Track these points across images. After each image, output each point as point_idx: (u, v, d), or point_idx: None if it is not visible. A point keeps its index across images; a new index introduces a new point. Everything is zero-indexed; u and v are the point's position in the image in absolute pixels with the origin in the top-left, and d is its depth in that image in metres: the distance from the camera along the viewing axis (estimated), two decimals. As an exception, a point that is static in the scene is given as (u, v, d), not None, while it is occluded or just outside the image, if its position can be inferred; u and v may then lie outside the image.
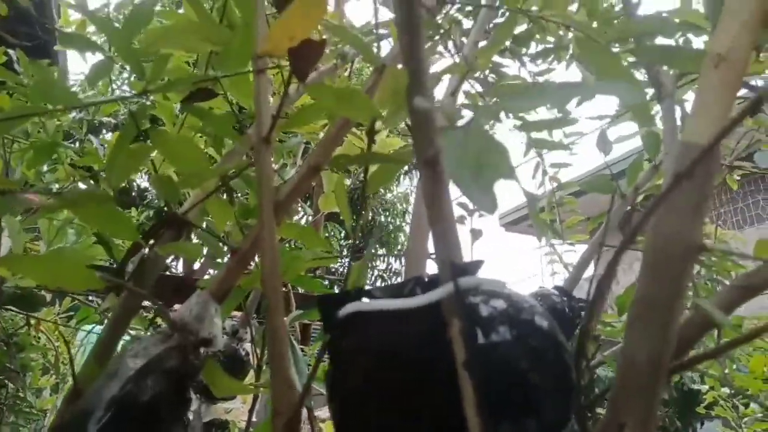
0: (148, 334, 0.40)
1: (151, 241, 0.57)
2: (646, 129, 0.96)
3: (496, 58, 0.99)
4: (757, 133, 1.14)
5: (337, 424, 0.31)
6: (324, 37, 0.64)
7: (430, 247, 0.42)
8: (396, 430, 0.30)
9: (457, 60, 0.87)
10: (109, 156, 0.43)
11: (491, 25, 0.97)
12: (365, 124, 0.48)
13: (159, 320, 0.89)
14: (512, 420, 0.28)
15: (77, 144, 1.39)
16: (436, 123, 0.32)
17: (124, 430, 0.36)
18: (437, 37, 0.88)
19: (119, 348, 0.51)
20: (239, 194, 0.73)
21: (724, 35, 0.30)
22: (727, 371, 1.24)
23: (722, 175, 1.16)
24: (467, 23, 1.03)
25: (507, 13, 0.88)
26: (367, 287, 0.34)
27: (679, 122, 0.62)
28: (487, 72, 0.97)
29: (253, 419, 0.86)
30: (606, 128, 0.97)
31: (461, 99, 0.85)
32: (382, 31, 0.88)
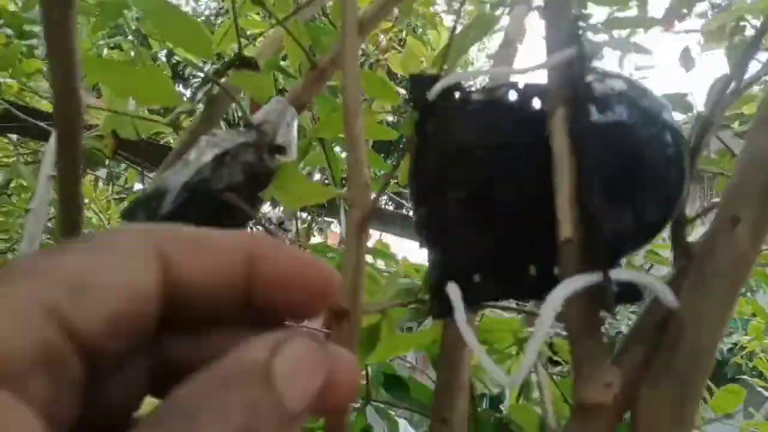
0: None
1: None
2: (737, 37, 0.89)
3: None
4: None
5: (418, 214, 0.30)
6: None
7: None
8: (479, 220, 0.29)
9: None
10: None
11: None
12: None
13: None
14: (608, 212, 0.26)
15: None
16: None
17: (197, 214, 0.36)
18: None
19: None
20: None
21: None
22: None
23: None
24: None
25: None
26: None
27: None
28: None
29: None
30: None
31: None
32: None
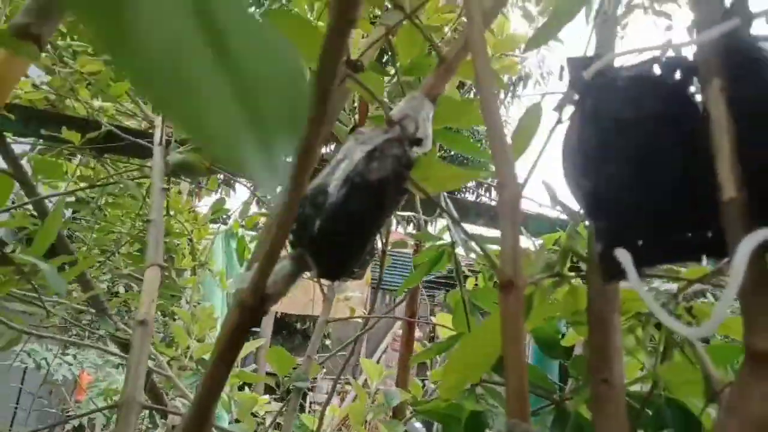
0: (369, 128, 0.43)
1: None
2: None
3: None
4: None
5: (582, 187, 0.33)
6: None
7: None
8: (639, 188, 0.32)
9: None
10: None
11: None
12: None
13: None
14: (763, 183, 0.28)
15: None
16: None
17: (357, 205, 0.39)
18: None
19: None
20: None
21: None
22: None
23: None
24: None
25: None
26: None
27: None
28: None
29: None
30: None
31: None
32: None
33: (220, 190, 1.78)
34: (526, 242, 1.26)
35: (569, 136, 0.32)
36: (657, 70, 0.33)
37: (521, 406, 0.32)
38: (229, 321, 0.39)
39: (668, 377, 0.39)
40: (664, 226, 0.32)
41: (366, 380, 1.28)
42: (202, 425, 0.44)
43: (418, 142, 0.42)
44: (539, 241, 1.28)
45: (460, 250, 0.87)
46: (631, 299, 0.46)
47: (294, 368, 1.18)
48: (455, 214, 0.68)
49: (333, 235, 0.38)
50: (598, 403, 0.36)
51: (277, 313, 5.27)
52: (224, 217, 1.96)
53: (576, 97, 0.32)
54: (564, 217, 1.66)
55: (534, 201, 1.35)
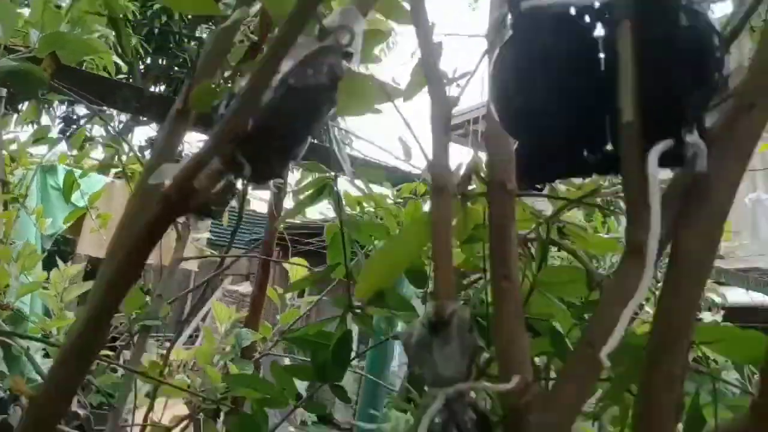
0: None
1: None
2: None
3: None
4: None
5: (504, 105, 0.37)
6: None
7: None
8: (554, 112, 0.37)
9: None
10: None
11: None
12: None
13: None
14: (659, 109, 0.35)
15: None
16: None
17: (294, 107, 0.40)
18: None
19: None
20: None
21: None
22: None
23: None
24: None
25: None
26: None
27: None
28: None
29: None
30: None
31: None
32: None
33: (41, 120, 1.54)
34: (386, 191, 1.33)
35: (502, 62, 0.36)
36: (572, 10, 0.38)
37: (448, 290, 0.36)
38: (150, 214, 0.37)
39: (549, 280, 0.47)
40: (570, 143, 0.38)
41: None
42: (99, 329, 0.41)
43: (350, 55, 0.43)
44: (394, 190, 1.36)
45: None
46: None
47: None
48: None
49: (267, 133, 0.38)
50: (500, 299, 0.41)
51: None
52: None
53: (510, 25, 0.36)
54: (416, 171, 1.74)
55: (391, 154, 1.43)
